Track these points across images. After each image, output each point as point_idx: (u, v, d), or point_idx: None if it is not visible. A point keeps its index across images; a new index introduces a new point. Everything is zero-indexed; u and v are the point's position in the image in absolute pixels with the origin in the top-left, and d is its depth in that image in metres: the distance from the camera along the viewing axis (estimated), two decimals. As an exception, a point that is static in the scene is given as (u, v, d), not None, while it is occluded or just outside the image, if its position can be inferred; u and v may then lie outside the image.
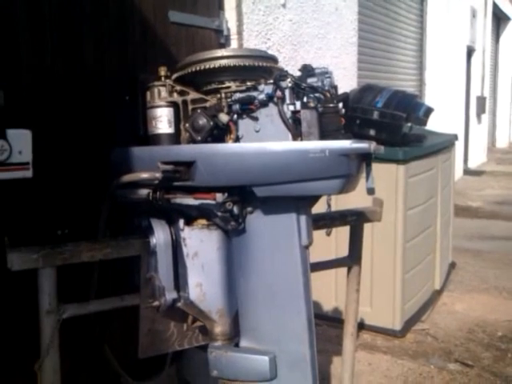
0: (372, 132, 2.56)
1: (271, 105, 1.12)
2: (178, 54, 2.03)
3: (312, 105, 1.10)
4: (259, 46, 2.73)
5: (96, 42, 1.69)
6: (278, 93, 1.11)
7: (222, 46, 2.44)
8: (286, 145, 1.06)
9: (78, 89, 1.63)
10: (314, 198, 1.17)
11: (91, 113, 1.67)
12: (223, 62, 1.22)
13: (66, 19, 1.59)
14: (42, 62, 1.53)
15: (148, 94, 1.30)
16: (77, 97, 1.62)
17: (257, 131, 1.14)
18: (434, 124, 2.64)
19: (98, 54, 1.70)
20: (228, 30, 2.45)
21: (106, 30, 1.73)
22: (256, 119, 1.14)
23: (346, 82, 3.80)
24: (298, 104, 1.10)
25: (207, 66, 1.21)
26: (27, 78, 1.49)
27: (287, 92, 1.11)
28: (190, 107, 1.24)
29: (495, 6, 9.83)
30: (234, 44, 2.51)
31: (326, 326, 2.56)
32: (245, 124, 1.16)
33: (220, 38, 2.40)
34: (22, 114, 1.46)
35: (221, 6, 2.41)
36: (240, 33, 2.55)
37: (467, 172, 8.11)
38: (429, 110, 2.62)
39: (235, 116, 1.15)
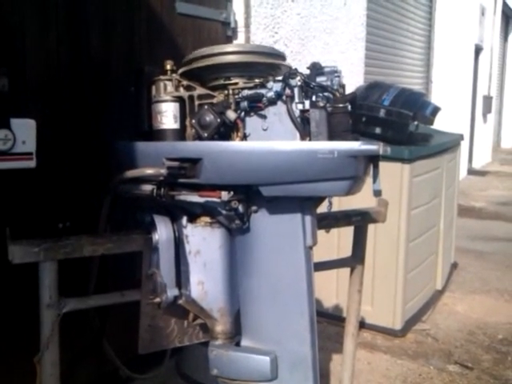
0: (378, 130, 2.54)
1: (280, 103, 1.10)
2: (184, 46, 2.01)
3: (321, 104, 1.07)
4: (266, 40, 2.70)
5: (102, 31, 1.67)
6: (287, 91, 1.09)
7: (229, 38, 2.41)
8: (294, 144, 1.04)
9: (82, 78, 1.61)
10: (320, 199, 1.16)
11: (95, 103, 1.65)
12: (231, 58, 1.19)
13: (72, 7, 1.57)
14: (47, 50, 1.51)
15: (153, 87, 1.28)
16: (81, 86, 1.61)
17: (264, 129, 1.13)
18: (439, 123, 2.61)
19: (104, 42, 1.68)
20: (235, 22, 2.42)
21: (111, 18, 1.71)
22: (264, 117, 1.13)
23: (353, 77, 3.77)
24: (307, 103, 1.08)
25: (215, 62, 1.19)
26: (31, 65, 1.47)
27: (296, 90, 1.09)
28: (197, 103, 1.22)
29: (505, 4, 9.74)
30: (241, 37, 2.48)
31: (326, 324, 2.56)
32: (252, 122, 1.14)
33: (227, 31, 2.37)
34: (26, 102, 1.44)
35: (228, -2, 2.38)
36: (247, 26, 2.52)
37: (471, 172, 8.08)
38: (436, 110, 2.59)
39: (243, 113, 1.13)
